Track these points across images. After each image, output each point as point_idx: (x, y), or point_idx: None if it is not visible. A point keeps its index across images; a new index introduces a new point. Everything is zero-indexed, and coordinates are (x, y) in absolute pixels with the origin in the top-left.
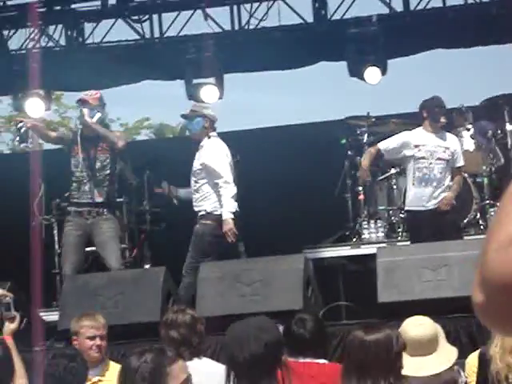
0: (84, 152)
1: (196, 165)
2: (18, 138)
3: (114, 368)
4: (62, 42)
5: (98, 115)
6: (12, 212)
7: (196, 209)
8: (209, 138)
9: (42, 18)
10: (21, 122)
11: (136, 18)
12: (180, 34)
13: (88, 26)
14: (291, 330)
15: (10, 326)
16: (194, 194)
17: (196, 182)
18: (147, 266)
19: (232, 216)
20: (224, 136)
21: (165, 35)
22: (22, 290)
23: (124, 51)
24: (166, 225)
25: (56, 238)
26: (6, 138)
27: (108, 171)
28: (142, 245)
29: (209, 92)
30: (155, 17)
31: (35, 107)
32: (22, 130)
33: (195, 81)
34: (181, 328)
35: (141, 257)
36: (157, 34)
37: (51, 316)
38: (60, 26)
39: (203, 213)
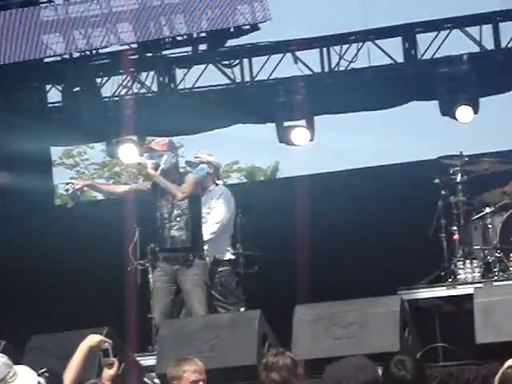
0: (163, 199)
1: (203, 210)
2: (70, 198)
3: None
4: (154, 87)
5: (162, 167)
6: (107, 257)
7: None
8: (216, 184)
9: (134, 65)
10: (67, 183)
11: (226, 62)
12: (270, 78)
13: (179, 72)
14: (390, 371)
15: (108, 372)
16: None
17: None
18: (242, 310)
19: None
20: (315, 178)
21: (255, 79)
22: (119, 335)
23: (215, 96)
24: (259, 268)
25: (151, 283)
26: None
27: (190, 215)
28: (236, 288)
29: (300, 134)
30: (245, 61)
31: (129, 153)
32: (69, 192)
33: (286, 123)
34: (282, 371)
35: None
36: (247, 78)
37: (148, 360)
38: (152, 73)
39: (212, 259)
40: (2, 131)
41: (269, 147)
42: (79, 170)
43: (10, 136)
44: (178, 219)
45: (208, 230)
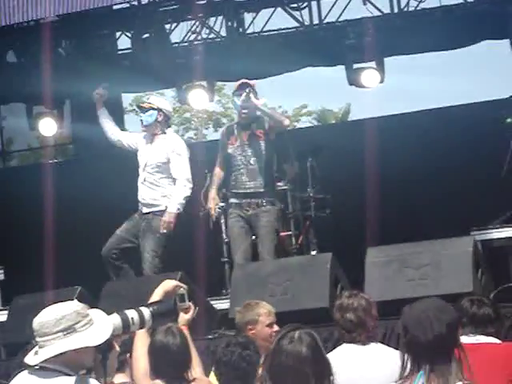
0: (239, 140)
1: (156, 159)
2: None
3: None
4: (223, 32)
5: (264, 100)
6: None
7: (151, 202)
8: (164, 133)
9: (203, 10)
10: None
11: (295, 5)
12: (339, 20)
13: (248, 16)
14: (470, 310)
15: (184, 317)
16: (149, 187)
17: (152, 174)
18: (314, 253)
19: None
20: (385, 120)
21: (324, 21)
22: (193, 280)
23: (284, 39)
24: (331, 211)
25: (223, 227)
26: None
27: (264, 158)
28: (308, 231)
29: (369, 76)
30: (314, 3)
31: (199, 99)
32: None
33: (356, 66)
34: (357, 311)
35: (307, 243)
36: (316, 21)
37: (222, 304)
38: (220, 18)
39: (161, 208)
40: (73, 79)
41: (339, 90)
42: None
43: (81, 83)
44: (253, 162)
45: (167, 180)
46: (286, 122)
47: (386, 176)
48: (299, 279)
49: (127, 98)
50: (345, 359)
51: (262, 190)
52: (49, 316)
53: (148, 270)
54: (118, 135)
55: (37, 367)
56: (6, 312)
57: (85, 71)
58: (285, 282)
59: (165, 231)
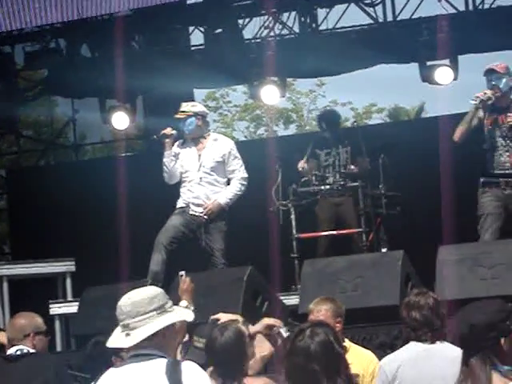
0: (495, 121)
1: (212, 159)
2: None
3: (354, 350)
4: (296, 28)
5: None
6: (250, 198)
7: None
8: (209, 133)
9: (276, 6)
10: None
11: (369, 1)
12: (413, 17)
13: (321, 12)
14: None
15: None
16: (207, 187)
17: (209, 174)
18: (384, 250)
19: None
20: (459, 117)
21: (398, 18)
22: (263, 275)
23: (358, 36)
24: (402, 208)
25: (293, 223)
26: (241, 126)
27: None
28: (379, 229)
29: (443, 74)
30: (388, 0)
31: (270, 94)
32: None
33: (429, 63)
34: (423, 310)
35: (377, 241)
36: (390, 18)
37: (291, 300)
38: (293, 13)
39: None
40: (146, 73)
41: (412, 87)
42: (222, 113)
43: (154, 79)
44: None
45: (223, 179)
46: None
47: (457, 174)
48: (370, 276)
49: (199, 94)
50: (411, 357)
51: None
52: (140, 296)
53: (218, 266)
54: (177, 175)
55: (130, 356)
56: (77, 304)
57: (158, 66)
58: (355, 279)
59: (206, 217)
